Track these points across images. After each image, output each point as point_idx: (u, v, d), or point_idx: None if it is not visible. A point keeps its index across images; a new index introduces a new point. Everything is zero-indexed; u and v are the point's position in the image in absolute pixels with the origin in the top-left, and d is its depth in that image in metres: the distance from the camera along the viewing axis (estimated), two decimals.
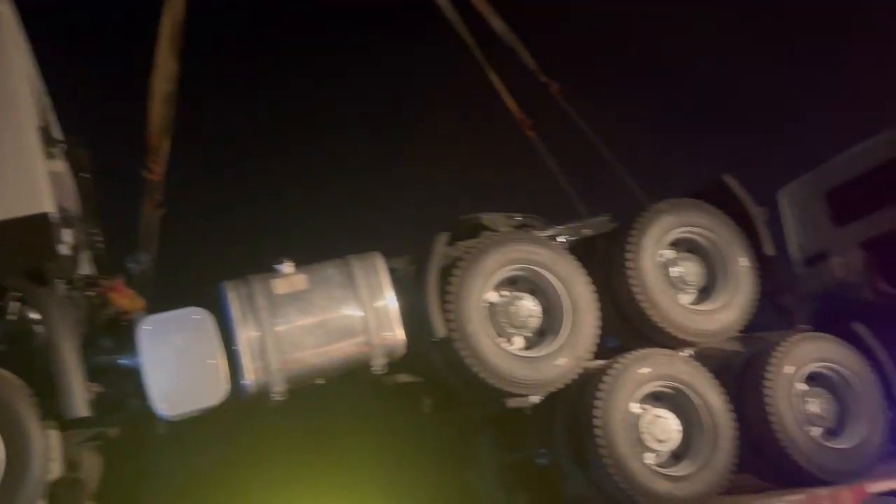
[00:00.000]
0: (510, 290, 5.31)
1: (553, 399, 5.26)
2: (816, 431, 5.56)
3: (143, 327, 4.64)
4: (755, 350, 5.80)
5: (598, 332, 5.28)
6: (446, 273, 5.17)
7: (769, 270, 5.83)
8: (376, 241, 5.30)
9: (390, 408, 6.16)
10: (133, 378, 4.62)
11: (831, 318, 6.96)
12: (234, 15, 10.10)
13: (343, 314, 4.88)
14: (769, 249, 5.79)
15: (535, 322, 5.25)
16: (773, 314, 6.52)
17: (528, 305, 5.24)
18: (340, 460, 7.09)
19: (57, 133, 5.29)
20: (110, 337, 4.80)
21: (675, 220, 5.59)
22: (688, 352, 5.57)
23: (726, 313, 5.53)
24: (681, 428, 5.21)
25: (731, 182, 5.91)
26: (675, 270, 5.54)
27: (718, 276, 5.62)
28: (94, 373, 4.57)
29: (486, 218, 5.75)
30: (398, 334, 4.96)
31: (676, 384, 5.21)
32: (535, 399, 5.23)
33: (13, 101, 4.40)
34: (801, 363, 5.60)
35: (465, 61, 7.10)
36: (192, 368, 4.57)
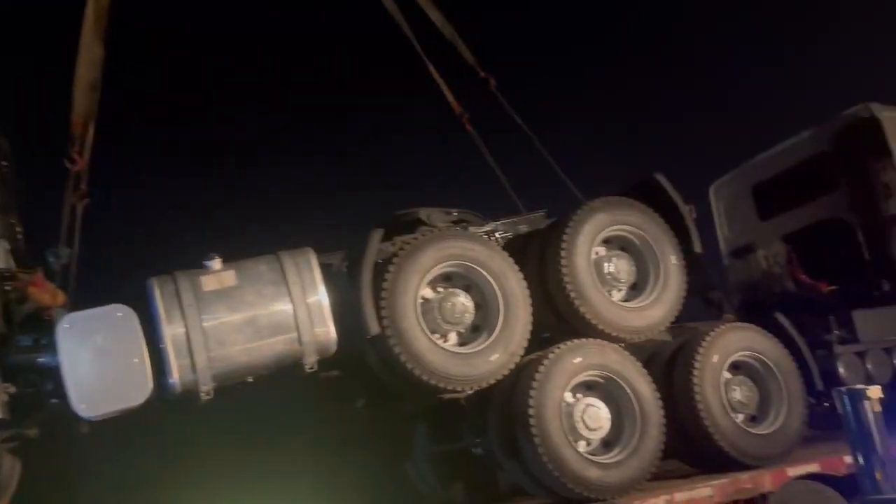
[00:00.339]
0: (445, 287, 5.30)
1: (488, 389, 5.28)
2: (740, 418, 5.75)
3: (63, 325, 4.49)
4: (683, 339, 5.96)
5: (532, 328, 5.32)
6: (381, 269, 5.13)
7: (698, 267, 5.98)
8: (309, 236, 5.23)
9: (324, 399, 6.09)
10: (53, 377, 4.46)
11: (756, 308, 7.25)
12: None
13: (273, 311, 4.80)
14: (698, 247, 5.92)
15: (469, 318, 5.25)
16: (702, 305, 6.73)
17: (463, 302, 5.23)
18: (273, 454, 6.99)
19: None
20: (29, 334, 4.62)
21: (608, 218, 5.66)
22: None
23: (655, 310, 5.64)
24: (611, 416, 5.31)
25: (662, 180, 6.03)
26: (607, 268, 5.62)
27: (648, 273, 5.72)
28: (10, 372, 4.41)
29: (423, 213, 5.72)
30: (330, 331, 4.91)
31: (607, 373, 5.30)
32: (468, 391, 5.26)
33: None
34: (727, 352, 5.79)
35: (401, 52, 7.04)
36: (115, 368, 4.44)
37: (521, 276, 5.37)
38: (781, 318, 6.57)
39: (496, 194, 7.16)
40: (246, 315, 4.75)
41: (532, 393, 5.05)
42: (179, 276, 4.77)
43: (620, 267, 5.65)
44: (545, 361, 5.17)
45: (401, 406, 5.88)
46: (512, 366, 5.24)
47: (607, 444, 5.29)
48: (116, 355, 4.46)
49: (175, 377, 4.60)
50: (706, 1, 12.36)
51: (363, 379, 5.55)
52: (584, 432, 5.19)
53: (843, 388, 4.86)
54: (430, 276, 5.19)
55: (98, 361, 4.42)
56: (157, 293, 4.68)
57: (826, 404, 6.34)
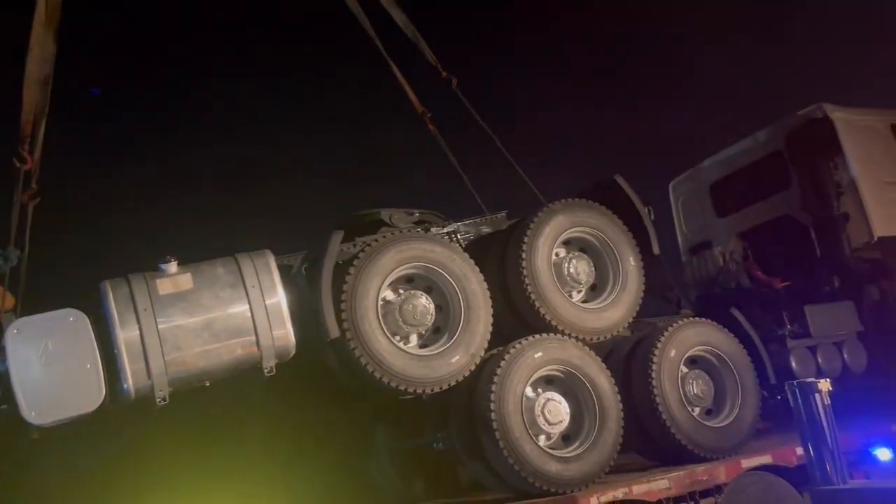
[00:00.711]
0: (406, 288, 5.29)
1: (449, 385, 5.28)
2: (696, 411, 5.87)
3: (13, 330, 4.37)
4: (642, 335, 6.07)
5: (492, 329, 5.33)
6: (342, 271, 5.09)
7: (657, 267, 6.07)
8: (269, 238, 5.16)
9: (284, 399, 6.04)
10: (2, 384, 4.34)
11: (712, 303, 7.38)
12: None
13: (231, 313, 4.74)
14: (656, 248, 6.00)
15: (430, 320, 5.24)
16: (660, 301, 6.83)
17: (424, 304, 5.22)
18: (234, 454, 6.92)
19: None
20: None
21: (568, 219, 5.70)
22: None
23: (614, 311, 5.71)
24: (570, 410, 5.36)
25: (621, 181, 6.09)
26: (567, 269, 5.66)
27: (608, 274, 5.79)
28: None
29: (385, 213, 5.70)
30: (289, 334, 4.86)
31: (568, 368, 5.36)
32: (429, 393, 5.26)
33: None
34: (684, 347, 5.90)
35: (363, 52, 6.99)
36: (66, 374, 4.34)
37: (482, 277, 5.38)
38: (736, 314, 6.68)
39: (459, 194, 7.18)
40: (202, 318, 4.68)
41: (493, 388, 5.09)
42: (134, 278, 4.68)
43: (580, 268, 5.70)
44: (506, 356, 5.21)
45: (361, 406, 5.86)
46: (473, 367, 5.25)
47: (567, 437, 5.35)
48: (68, 361, 4.36)
49: (129, 383, 4.51)
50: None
51: (324, 380, 5.51)
52: (545, 426, 5.24)
53: (794, 382, 4.97)
54: (391, 278, 5.17)
55: (49, 367, 4.32)
56: (110, 296, 4.58)
57: (779, 397, 6.48)
